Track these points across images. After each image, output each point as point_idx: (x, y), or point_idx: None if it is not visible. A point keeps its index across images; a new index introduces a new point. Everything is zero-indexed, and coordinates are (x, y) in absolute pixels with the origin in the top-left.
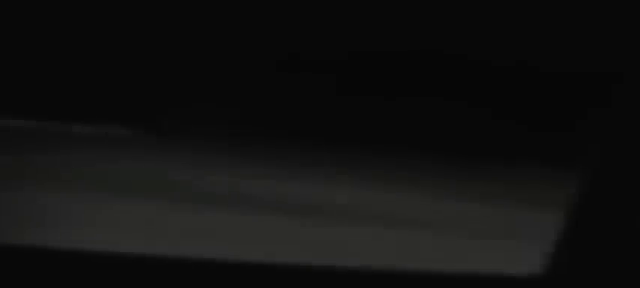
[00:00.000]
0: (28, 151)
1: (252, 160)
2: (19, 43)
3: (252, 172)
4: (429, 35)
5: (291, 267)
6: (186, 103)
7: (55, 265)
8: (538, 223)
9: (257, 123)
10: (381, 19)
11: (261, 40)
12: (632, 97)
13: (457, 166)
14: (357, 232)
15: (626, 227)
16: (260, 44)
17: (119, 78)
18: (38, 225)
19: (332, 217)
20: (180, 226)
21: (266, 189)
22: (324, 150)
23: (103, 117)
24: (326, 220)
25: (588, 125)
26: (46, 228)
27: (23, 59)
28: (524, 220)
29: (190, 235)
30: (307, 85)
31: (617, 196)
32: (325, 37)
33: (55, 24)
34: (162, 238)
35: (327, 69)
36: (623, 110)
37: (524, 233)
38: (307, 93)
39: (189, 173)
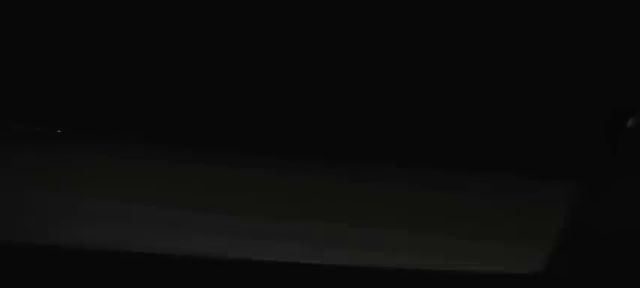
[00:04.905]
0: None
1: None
2: None
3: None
4: None
5: (291, 266)
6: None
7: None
8: (538, 224)
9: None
10: None
11: None
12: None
13: (459, 167)
14: (358, 232)
15: (624, 228)
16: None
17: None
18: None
19: (332, 216)
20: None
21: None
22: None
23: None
24: (326, 218)
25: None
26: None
27: None
28: (524, 220)
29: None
30: None
31: (616, 196)
32: None
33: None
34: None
35: None
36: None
37: (524, 233)
38: None
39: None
